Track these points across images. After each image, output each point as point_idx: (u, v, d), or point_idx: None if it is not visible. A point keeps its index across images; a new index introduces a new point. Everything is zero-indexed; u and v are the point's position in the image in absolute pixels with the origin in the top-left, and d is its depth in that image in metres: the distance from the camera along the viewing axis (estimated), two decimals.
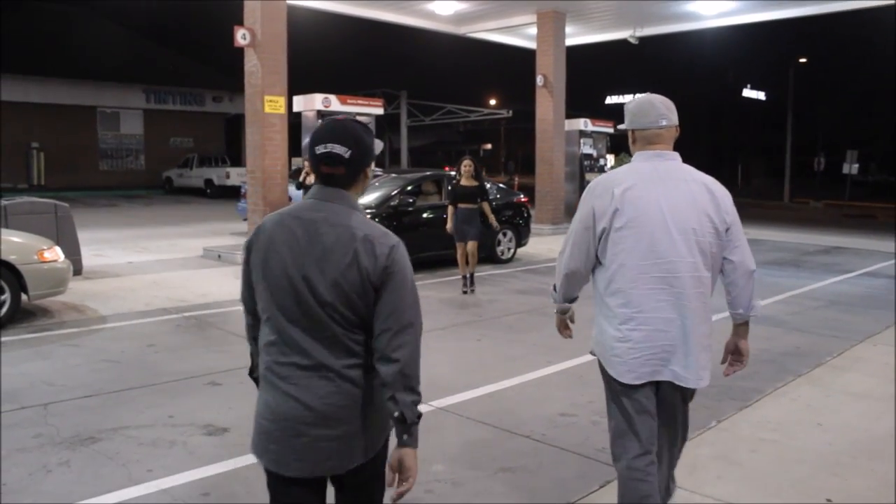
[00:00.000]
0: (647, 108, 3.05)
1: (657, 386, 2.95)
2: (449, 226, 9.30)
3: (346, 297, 2.11)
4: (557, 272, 3.11)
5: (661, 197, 2.87)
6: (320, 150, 2.17)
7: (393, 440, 2.26)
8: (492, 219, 9.54)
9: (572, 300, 3.18)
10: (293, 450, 2.20)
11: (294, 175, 14.08)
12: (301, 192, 11.35)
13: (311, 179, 10.92)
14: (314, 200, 2.21)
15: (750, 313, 3.12)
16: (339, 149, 2.16)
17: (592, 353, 3.14)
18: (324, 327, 2.13)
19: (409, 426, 2.18)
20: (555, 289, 3.19)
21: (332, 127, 2.22)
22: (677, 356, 2.88)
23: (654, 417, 2.97)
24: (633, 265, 2.86)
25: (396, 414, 2.17)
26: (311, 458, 2.19)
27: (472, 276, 9.40)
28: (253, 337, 2.42)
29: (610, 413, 3.06)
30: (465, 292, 9.32)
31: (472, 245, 9.28)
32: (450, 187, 10.01)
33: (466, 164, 9.34)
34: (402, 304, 2.14)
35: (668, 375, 2.90)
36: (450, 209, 9.37)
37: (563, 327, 3.34)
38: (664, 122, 3.03)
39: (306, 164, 11.14)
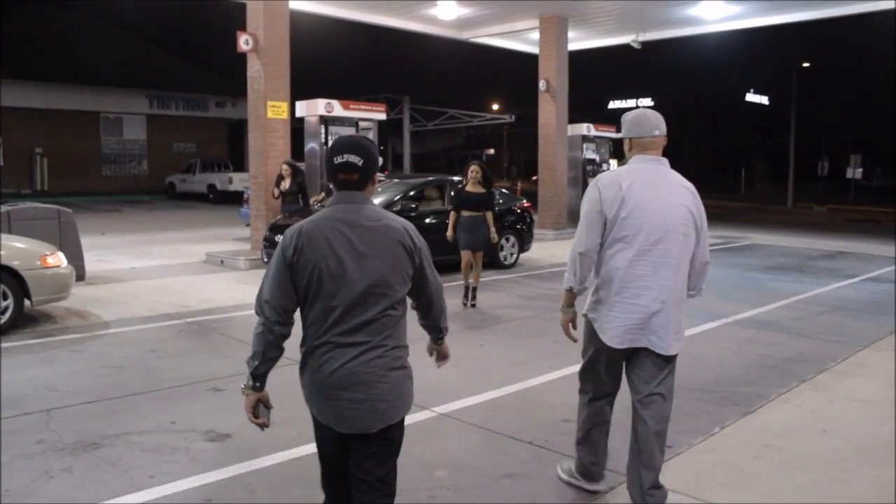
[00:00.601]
0: (643, 119, 3.62)
1: (636, 351, 3.56)
2: (449, 233, 8.78)
3: (394, 277, 2.65)
4: (572, 255, 3.58)
5: (656, 195, 3.48)
6: (339, 159, 2.65)
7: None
8: (492, 231, 8.84)
9: (584, 285, 3.63)
10: (347, 412, 2.66)
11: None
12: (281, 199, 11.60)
13: (284, 185, 11.33)
14: (344, 204, 2.68)
15: (696, 294, 3.80)
16: (354, 158, 2.64)
17: (585, 316, 3.70)
18: (363, 310, 2.62)
19: (444, 336, 3.10)
20: (568, 279, 3.64)
21: (348, 141, 2.71)
22: (655, 328, 3.49)
23: (620, 375, 3.73)
24: (630, 250, 3.46)
25: (441, 333, 3.07)
26: (365, 415, 2.65)
27: (475, 289, 8.89)
28: (281, 329, 2.77)
29: (588, 366, 3.77)
30: (465, 304, 8.82)
31: (478, 255, 8.82)
32: (453, 192, 9.56)
33: (474, 170, 8.75)
34: (433, 278, 2.84)
35: (645, 343, 3.52)
36: (452, 215, 8.84)
37: (569, 327, 3.72)
38: (657, 132, 3.60)
39: (283, 168, 11.48)
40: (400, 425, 2.75)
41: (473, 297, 8.87)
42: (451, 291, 9.73)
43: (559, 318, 3.73)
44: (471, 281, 8.84)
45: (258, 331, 2.79)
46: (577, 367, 4.26)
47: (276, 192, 11.58)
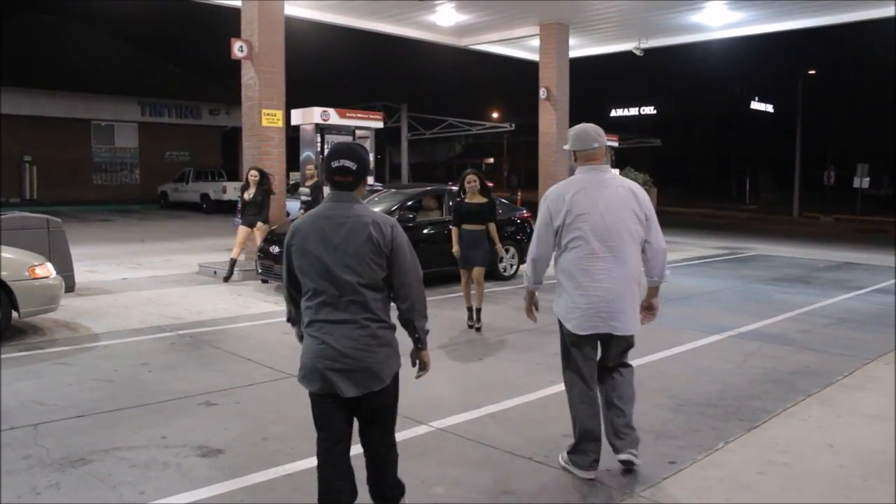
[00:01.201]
0: (583, 135, 4.27)
1: (600, 337, 4.17)
2: (455, 248, 8.23)
3: (366, 264, 3.11)
4: (528, 261, 4.30)
5: (600, 198, 4.11)
6: (335, 164, 3.18)
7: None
8: (498, 245, 8.38)
9: (539, 283, 4.36)
10: (332, 378, 3.13)
11: (292, 189, 14.03)
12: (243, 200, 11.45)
13: (249, 193, 11.18)
14: (333, 202, 3.20)
15: (662, 280, 4.29)
16: (348, 163, 3.18)
17: (554, 314, 4.30)
18: (347, 292, 3.11)
19: (423, 339, 3.34)
20: (527, 280, 4.39)
21: (344, 148, 3.26)
22: (615, 314, 4.08)
23: (595, 362, 4.25)
24: (582, 249, 4.08)
25: (416, 333, 3.31)
26: (346, 382, 3.12)
27: (478, 310, 8.21)
28: (293, 302, 3.38)
29: (564, 357, 4.33)
30: (470, 326, 8.20)
31: (477, 272, 8.12)
32: (452, 204, 9.09)
33: (471, 180, 8.17)
34: (406, 265, 3.20)
35: (607, 329, 4.11)
36: (453, 231, 8.26)
37: (531, 310, 4.49)
38: (596, 145, 4.26)
39: (251, 175, 11.27)
40: (386, 389, 3.22)
41: (478, 320, 8.22)
42: (446, 303, 9.66)
43: (524, 306, 4.53)
44: (473, 302, 8.24)
45: (285, 296, 3.45)
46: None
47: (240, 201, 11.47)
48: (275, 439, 4.80)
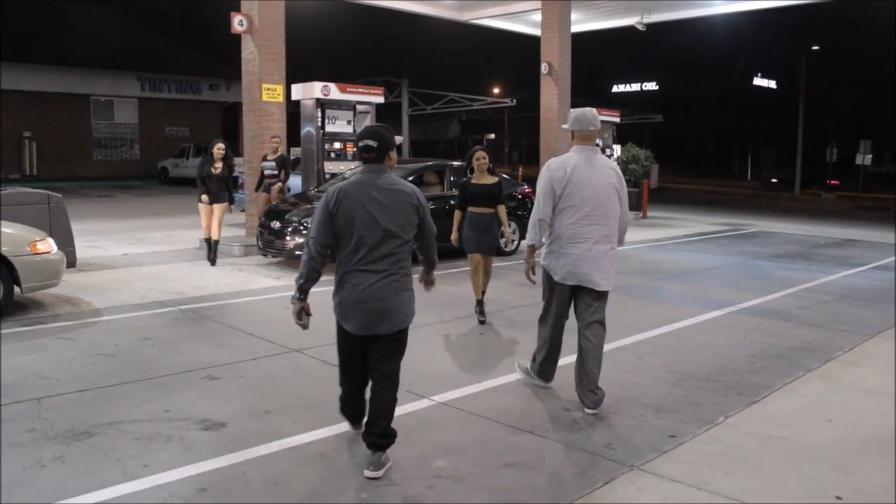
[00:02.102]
0: (583, 118, 4.99)
1: (579, 288, 4.92)
2: (454, 236, 7.49)
3: (406, 225, 3.90)
4: (533, 220, 4.93)
5: (593, 174, 4.87)
6: (361, 144, 3.93)
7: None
8: (505, 226, 7.69)
9: (542, 242, 4.98)
10: (367, 320, 3.86)
11: (293, 165, 13.93)
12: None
13: (216, 168, 10.25)
14: (369, 173, 3.90)
15: (621, 245, 5.11)
16: (370, 142, 3.90)
17: (543, 265, 5.04)
18: (391, 246, 3.84)
19: (434, 267, 4.39)
20: (531, 238, 5.01)
21: (367, 130, 4.02)
22: (593, 270, 4.85)
23: (568, 307, 5.06)
24: (575, 214, 4.83)
25: (430, 265, 4.36)
26: (377, 323, 3.86)
27: (480, 301, 7.51)
28: (321, 255, 3.92)
29: (546, 298, 5.15)
30: (482, 321, 7.35)
31: (487, 259, 7.43)
32: (458, 186, 7.90)
33: (479, 157, 7.34)
34: (429, 225, 4.10)
35: (589, 283, 4.88)
36: (456, 215, 7.50)
37: (530, 273, 5.14)
38: (592, 128, 5.00)
39: (217, 149, 10.32)
40: (406, 331, 3.99)
41: (482, 312, 7.46)
42: (448, 279, 9.63)
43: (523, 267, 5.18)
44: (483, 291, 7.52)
45: (305, 258, 3.94)
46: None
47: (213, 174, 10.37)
48: (277, 413, 4.83)
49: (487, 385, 5.46)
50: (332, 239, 3.88)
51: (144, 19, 35.75)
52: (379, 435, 3.91)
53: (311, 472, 3.96)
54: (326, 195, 3.90)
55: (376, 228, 3.80)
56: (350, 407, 4.29)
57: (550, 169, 4.92)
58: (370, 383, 4.04)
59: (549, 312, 5.14)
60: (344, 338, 4.02)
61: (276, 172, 11.91)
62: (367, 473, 3.86)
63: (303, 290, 3.93)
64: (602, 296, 4.92)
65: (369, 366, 3.98)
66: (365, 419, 4.06)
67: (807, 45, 37.74)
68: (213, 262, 10.48)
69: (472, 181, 7.38)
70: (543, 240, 4.98)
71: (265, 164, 12.02)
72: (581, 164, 4.87)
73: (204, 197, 10.37)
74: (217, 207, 10.36)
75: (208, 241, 10.60)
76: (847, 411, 5.00)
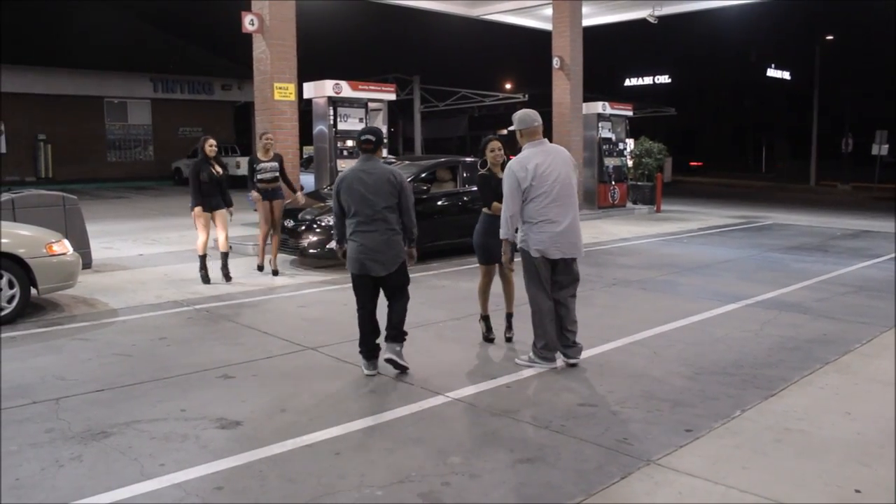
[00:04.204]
0: (526, 117, 5.72)
1: (555, 262, 5.65)
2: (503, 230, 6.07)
3: (388, 197, 5.36)
4: (505, 216, 5.59)
5: (552, 162, 5.57)
6: (362, 137, 5.50)
7: None
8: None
9: (514, 234, 5.65)
10: (367, 264, 5.40)
11: (306, 163, 13.93)
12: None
13: (217, 170, 8.91)
14: (363, 162, 5.48)
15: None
16: (369, 136, 5.47)
17: (519, 247, 5.70)
18: (378, 213, 5.34)
19: (413, 240, 5.59)
20: (504, 233, 5.66)
21: (368, 128, 5.61)
22: (564, 244, 5.57)
23: (549, 280, 5.68)
24: (543, 199, 5.52)
25: (410, 236, 5.54)
26: (375, 266, 5.39)
27: (511, 315, 6.59)
28: (340, 223, 5.60)
29: (531, 281, 5.70)
30: (488, 339, 6.51)
31: (509, 271, 6.29)
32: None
33: (495, 147, 6.32)
34: (407, 199, 5.47)
35: (561, 254, 5.60)
36: (494, 207, 6.16)
37: (510, 260, 5.86)
38: (535, 124, 5.70)
39: (211, 146, 8.95)
40: (403, 265, 5.53)
41: (509, 327, 6.59)
42: (459, 275, 9.62)
43: (504, 259, 5.84)
44: (505, 306, 6.63)
45: (334, 223, 5.73)
46: (592, 352, 5.97)
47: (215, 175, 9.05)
48: (292, 411, 4.84)
49: (502, 381, 5.45)
50: (342, 210, 5.51)
51: (156, 20, 35.89)
52: (395, 329, 5.53)
53: (326, 469, 3.96)
54: (335, 182, 5.62)
55: (366, 202, 5.35)
56: (367, 343, 5.58)
57: (513, 170, 5.54)
58: (388, 303, 5.59)
59: (538, 292, 5.69)
60: (355, 280, 5.54)
61: (277, 174, 9.70)
62: (387, 355, 5.49)
63: (339, 241, 5.67)
64: (574, 263, 5.74)
65: (385, 293, 5.58)
66: (379, 357, 5.60)
67: (820, 35, 37.34)
68: (227, 276, 9.27)
69: (491, 174, 6.35)
70: (517, 230, 5.65)
71: (263, 165, 9.63)
72: (539, 158, 5.54)
73: (198, 209, 8.99)
74: (218, 215, 9.18)
75: (203, 257, 9.31)
76: (866, 404, 4.95)
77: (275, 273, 9.72)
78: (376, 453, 4.12)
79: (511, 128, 5.77)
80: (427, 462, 4.03)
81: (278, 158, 9.84)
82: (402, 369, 5.50)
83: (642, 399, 5.04)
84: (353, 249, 5.40)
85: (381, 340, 5.63)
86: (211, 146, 8.97)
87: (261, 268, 9.95)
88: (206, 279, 9.24)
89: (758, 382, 5.38)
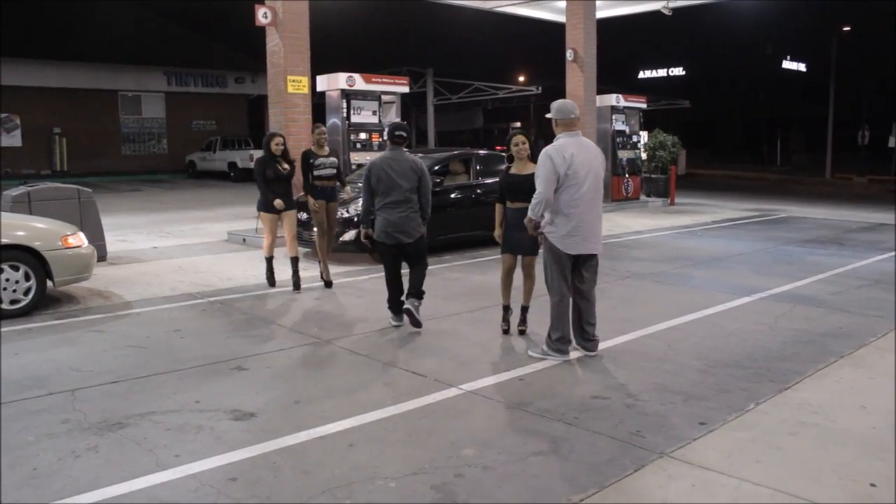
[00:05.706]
0: (564, 107, 5.73)
1: (578, 256, 5.71)
2: (497, 232, 6.58)
3: (411, 182, 6.54)
4: (539, 199, 5.56)
5: (584, 156, 5.61)
6: (396, 132, 6.72)
7: None
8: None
9: (543, 216, 5.66)
10: (394, 235, 6.55)
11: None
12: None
13: (284, 167, 8.39)
14: (391, 152, 6.67)
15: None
16: (402, 132, 6.73)
17: (546, 236, 5.72)
18: (403, 194, 6.52)
19: (427, 218, 6.75)
20: (536, 214, 5.70)
21: (400, 124, 6.87)
22: (590, 239, 5.66)
23: (570, 274, 5.76)
24: (574, 192, 5.55)
25: (425, 215, 6.68)
26: (401, 236, 6.55)
27: (526, 308, 6.69)
28: (370, 203, 6.68)
29: (553, 272, 5.76)
30: (505, 331, 6.63)
31: (529, 262, 6.53)
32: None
33: (519, 141, 6.37)
34: (426, 184, 6.66)
35: (585, 250, 5.69)
36: (498, 209, 6.54)
37: (536, 233, 5.83)
38: (573, 116, 5.72)
39: (275, 144, 8.33)
40: (422, 237, 6.66)
41: (523, 321, 6.68)
42: (473, 267, 9.63)
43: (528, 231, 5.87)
44: (521, 300, 6.73)
45: (362, 201, 6.88)
46: (607, 344, 6.06)
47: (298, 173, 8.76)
48: (306, 403, 4.86)
49: (515, 373, 5.45)
50: (371, 194, 6.58)
51: (169, 14, 35.97)
52: (415, 288, 6.62)
53: (339, 461, 3.98)
54: (365, 169, 6.77)
55: (393, 185, 6.46)
56: (394, 299, 6.76)
57: (550, 155, 5.53)
58: (409, 269, 6.70)
59: (560, 283, 5.74)
60: (382, 248, 6.69)
61: (335, 171, 8.73)
62: (406, 306, 6.56)
63: (364, 222, 6.84)
64: (595, 257, 5.82)
65: (408, 260, 6.69)
66: (404, 307, 6.64)
67: (837, 27, 36.93)
68: (297, 285, 8.37)
69: (512, 170, 6.47)
70: (545, 214, 5.63)
71: (322, 161, 8.65)
72: (575, 149, 5.58)
73: (277, 202, 8.29)
74: (287, 216, 8.50)
75: (269, 259, 8.65)
76: (881, 397, 4.91)
77: (328, 285, 8.55)
78: (389, 445, 4.13)
79: (548, 115, 5.82)
80: (440, 454, 4.03)
81: (335, 154, 9.13)
82: (417, 324, 6.56)
83: (656, 392, 5.03)
84: (382, 224, 6.51)
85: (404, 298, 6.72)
86: (277, 144, 8.36)
87: (328, 284, 8.61)
88: (271, 282, 8.58)
89: (772, 376, 5.35)
